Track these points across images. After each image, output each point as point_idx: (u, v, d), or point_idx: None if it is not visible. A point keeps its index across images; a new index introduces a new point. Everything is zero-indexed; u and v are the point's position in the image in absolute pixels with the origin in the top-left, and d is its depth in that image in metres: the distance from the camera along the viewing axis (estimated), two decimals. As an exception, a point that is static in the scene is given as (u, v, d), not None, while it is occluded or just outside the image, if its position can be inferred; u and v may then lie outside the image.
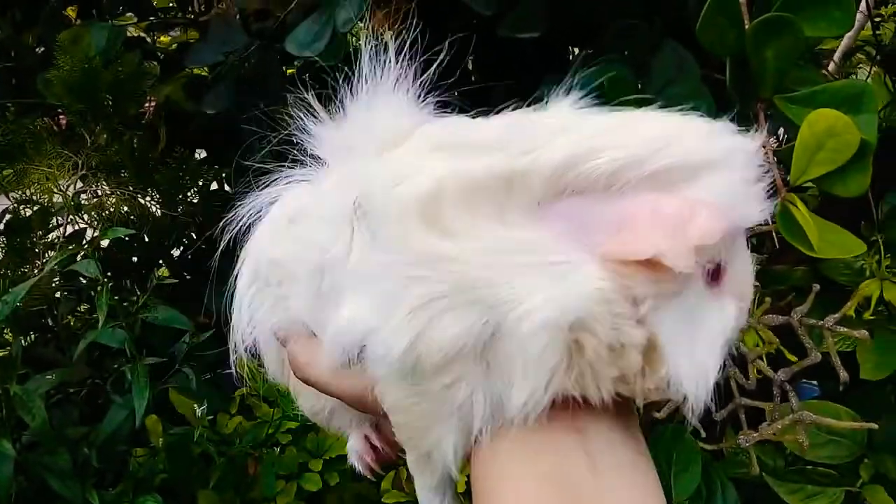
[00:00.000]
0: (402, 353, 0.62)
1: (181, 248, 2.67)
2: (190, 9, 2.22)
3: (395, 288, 0.62)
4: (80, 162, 1.81)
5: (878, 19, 2.86)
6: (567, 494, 0.61)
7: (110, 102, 1.88)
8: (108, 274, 2.45)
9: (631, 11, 1.43)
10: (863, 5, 2.39)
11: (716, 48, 0.98)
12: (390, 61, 0.74)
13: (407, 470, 1.81)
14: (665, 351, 0.60)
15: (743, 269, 0.66)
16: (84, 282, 1.94)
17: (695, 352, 0.61)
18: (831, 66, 2.39)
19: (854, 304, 1.47)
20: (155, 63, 2.56)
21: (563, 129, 0.61)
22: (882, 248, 1.51)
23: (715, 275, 0.61)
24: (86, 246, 1.52)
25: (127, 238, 2.51)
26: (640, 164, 0.57)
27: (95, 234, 2.23)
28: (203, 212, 2.25)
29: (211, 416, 1.63)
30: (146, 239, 2.46)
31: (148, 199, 2.42)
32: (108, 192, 1.92)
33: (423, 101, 0.74)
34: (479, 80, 2.18)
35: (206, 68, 2.44)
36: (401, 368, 0.65)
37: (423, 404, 0.68)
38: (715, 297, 0.63)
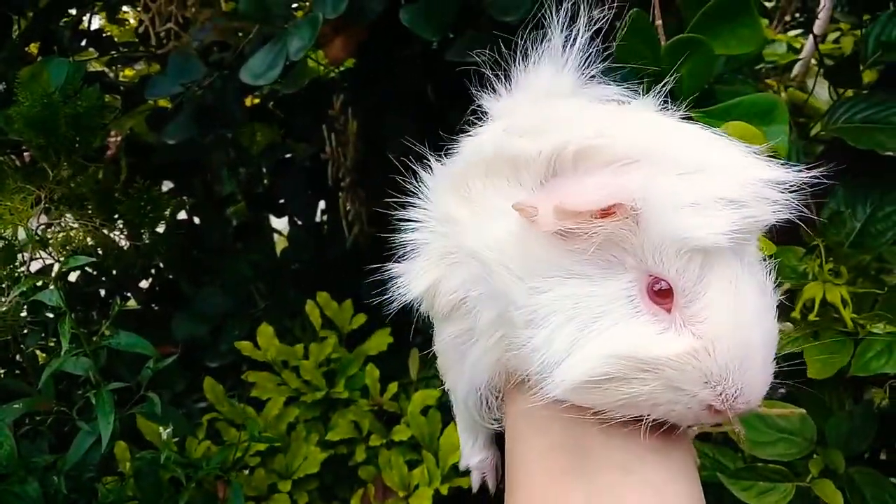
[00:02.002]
0: (419, 294, 0.76)
1: (149, 278, 2.70)
2: (151, 42, 2.26)
3: (425, 237, 0.76)
4: (42, 196, 1.84)
5: (837, 33, 2.96)
6: (575, 462, 0.66)
7: (74, 136, 1.91)
8: (78, 308, 2.47)
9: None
10: (819, 24, 2.49)
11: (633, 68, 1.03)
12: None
13: (374, 487, 1.84)
14: (545, 321, 0.65)
15: (722, 309, 0.63)
16: (51, 316, 1.96)
17: (577, 343, 0.64)
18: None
19: (799, 306, 1.53)
20: (117, 97, 2.60)
21: (567, 119, 0.69)
22: (823, 251, 1.56)
23: (661, 293, 0.64)
24: (51, 277, 1.54)
25: (94, 272, 2.54)
26: (597, 153, 0.65)
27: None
28: (169, 242, 2.28)
29: (176, 439, 1.64)
30: (114, 272, 2.49)
31: (115, 231, 2.45)
32: (73, 226, 1.94)
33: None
34: (437, 101, 2.24)
35: (168, 100, 2.48)
36: (426, 310, 0.79)
37: (444, 348, 0.81)
38: (654, 316, 0.64)
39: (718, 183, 0.62)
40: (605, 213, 0.62)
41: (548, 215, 0.63)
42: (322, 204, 2.74)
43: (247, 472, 1.85)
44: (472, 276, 0.72)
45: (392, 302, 0.79)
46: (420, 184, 0.76)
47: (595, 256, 0.65)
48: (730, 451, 1.61)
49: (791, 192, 0.64)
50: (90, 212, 2.14)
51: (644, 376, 0.63)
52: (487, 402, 0.80)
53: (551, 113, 0.72)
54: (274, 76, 1.70)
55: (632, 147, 0.64)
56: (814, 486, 1.49)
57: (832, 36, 2.98)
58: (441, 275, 0.76)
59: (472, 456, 1.04)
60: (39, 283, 1.51)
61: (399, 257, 0.78)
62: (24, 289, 1.50)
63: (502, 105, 0.78)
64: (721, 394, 0.63)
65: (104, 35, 2.81)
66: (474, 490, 1.03)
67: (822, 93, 2.31)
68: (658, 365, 0.63)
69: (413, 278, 0.77)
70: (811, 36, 2.48)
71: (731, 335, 0.63)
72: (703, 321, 0.63)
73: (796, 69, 2.45)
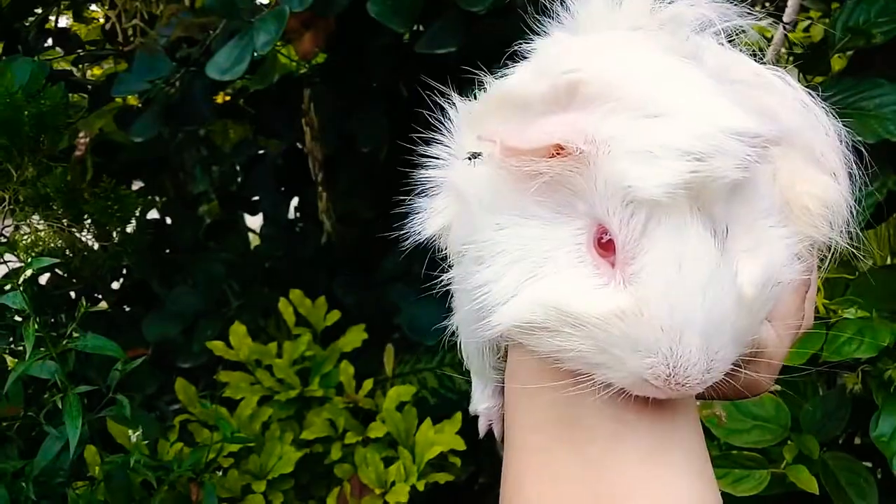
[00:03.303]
0: (434, 233, 0.73)
1: (120, 279, 2.66)
2: (118, 40, 2.22)
3: (445, 174, 0.72)
4: (7, 197, 1.80)
5: (807, 21, 2.97)
6: (567, 432, 0.64)
7: (38, 136, 1.87)
8: (47, 311, 2.43)
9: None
10: (789, 11, 2.50)
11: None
12: None
13: (350, 485, 1.82)
14: (492, 259, 0.64)
15: (660, 272, 0.58)
16: (19, 320, 1.93)
17: (520, 285, 0.62)
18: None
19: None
20: (84, 95, 2.56)
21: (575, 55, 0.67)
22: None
23: (605, 245, 0.60)
24: (16, 280, 1.50)
25: (64, 274, 2.51)
26: (579, 90, 0.62)
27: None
28: (138, 242, 2.25)
29: (147, 442, 1.61)
30: (84, 273, 2.45)
31: (84, 232, 2.41)
32: (38, 228, 1.91)
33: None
34: (408, 95, 2.23)
35: (137, 98, 2.45)
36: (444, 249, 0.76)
37: (454, 289, 0.76)
38: (597, 268, 0.60)
39: (675, 130, 0.58)
40: (557, 152, 0.59)
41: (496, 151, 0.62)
42: (295, 201, 2.72)
43: (220, 473, 1.83)
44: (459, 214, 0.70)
45: (407, 239, 0.74)
46: (444, 119, 0.72)
47: (551, 198, 0.62)
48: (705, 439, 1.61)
49: (760, 147, 0.59)
50: (58, 213, 2.11)
51: (570, 331, 0.60)
52: (484, 354, 0.78)
53: (569, 49, 0.69)
54: (241, 71, 1.68)
55: (606, 85, 0.61)
56: (788, 472, 1.49)
57: (802, 24, 3.00)
58: (457, 213, 0.73)
59: (481, 402, 1.01)
60: (8, 287, 1.47)
61: (420, 193, 0.74)
62: (-12, 291, 1.46)
63: (539, 44, 0.74)
64: (651, 367, 0.58)
65: (70, 33, 2.77)
66: (481, 434, 1.00)
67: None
68: (582, 321, 0.59)
69: (430, 216, 0.73)
70: (780, 24, 2.49)
71: (665, 303, 0.57)
72: (639, 282, 0.58)
73: (767, 56, 2.46)
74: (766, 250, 0.65)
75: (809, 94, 0.84)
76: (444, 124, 0.72)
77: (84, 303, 1.54)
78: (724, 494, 1.48)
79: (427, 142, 0.73)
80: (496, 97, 0.69)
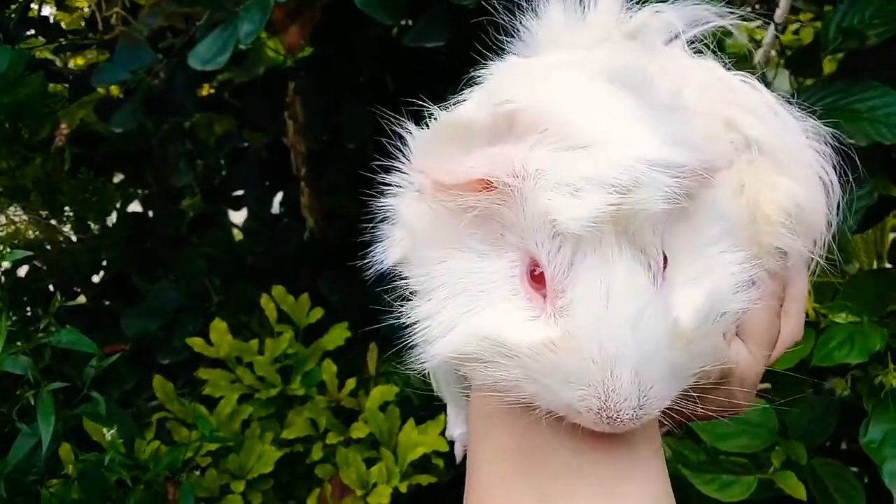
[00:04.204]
0: (394, 263, 0.72)
1: (100, 273, 2.62)
2: (100, 29, 2.18)
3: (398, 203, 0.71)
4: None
5: (797, 24, 2.97)
6: (526, 465, 0.63)
7: (15, 125, 1.83)
8: (27, 305, 2.38)
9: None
10: (780, 12, 2.49)
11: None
12: None
13: (331, 486, 1.79)
14: (432, 293, 0.64)
15: (588, 305, 0.57)
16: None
17: (459, 318, 0.61)
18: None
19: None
20: (65, 85, 2.51)
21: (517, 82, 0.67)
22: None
23: (537, 277, 0.60)
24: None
25: (43, 268, 2.46)
26: (518, 120, 0.62)
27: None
28: (118, 235, 2.21)
29: (121, 440, 1.57)
30: (63, 267, 2.40)
31: (63, 224, 2.37)
32: (13, 219, 1.87)
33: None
34: (395, 88, 2.19)
35: (119, 89, 2.40)
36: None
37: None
38: (529, 301, 0.60)
39: (598, 162, 0.57)
40: (486, 186, 0.59)
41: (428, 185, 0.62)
42: (280, 196, 2.68)
43: (198, 472, 1.79)
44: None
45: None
46: (403, 146, 0.71)
47: (484, 231, 0.62)
48: (691, 444, 1.59)
49: (687, 177, 0.58)
50: (38, 204, 2.07)
51: (503, 361, 0.59)
52: (450, 381, 0.78)
53: (513, 76, 0.69)
54: (223, 61, 1.64)
55: (540, 115, 0.61)
56: (776, 477, 1.48)
57: (792, 27, 2.99)
58: (409, 245, 0.72)
59: (456, 427, 1.01)
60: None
61: (381, 222, 0.74)
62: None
63: (493, 68, 0.74)
64: (582, 399, 0.57)
65: (52, 23, 2.71)
66: (457, 461, 0.99)
67: (782, 84, 2.30)
68: (514, 351, 0.58)
69: (389, 246, 0.73)
70: (771, 25, 2.48)
71: (594, 337, 0.56)
72: (568, 316, 0.58)
73: (757, 56, 2.44)
74: (712, 279, 0.63)
75: (780, 98, 0.82)
76: (401, 151, 0.71)
77: (59, 297, 1.49)
78: (711, 500, 1.47)
79: (387, 170, 0.71)
80: (445, 126, 0.68)
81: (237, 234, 2.76)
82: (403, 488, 1.74)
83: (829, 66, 2.09)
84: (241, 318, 2.23)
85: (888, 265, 2.02)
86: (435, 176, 0.60)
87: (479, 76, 0.74)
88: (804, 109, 0.84)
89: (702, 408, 0.63)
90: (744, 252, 0.66)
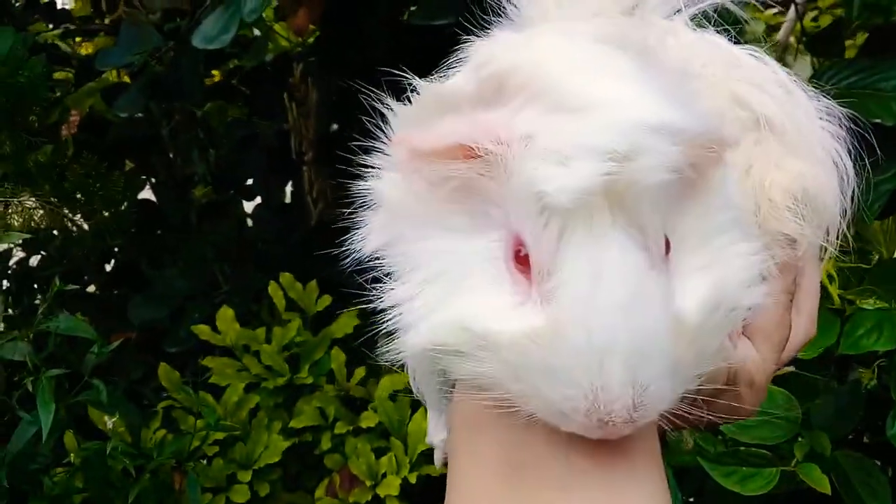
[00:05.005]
0: (372, 251, 0.63)
1: (110, 261, 2.59)
2: (104, 11, 2.15)
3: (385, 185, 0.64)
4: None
5: (815, 11, 2.92)
6: (513, 476, 0.57)
7: (16, 109, 1.80)
8: (36, 293, 2.36)
9: None
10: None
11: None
12: None
13: (340, 476, 1.76)
14: (408, 275, 0.57)
15: (575, 290, 0.50)
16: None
17: (438, 304, 0.55)
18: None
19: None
20: (71, 70, 2.49)
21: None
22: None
23: (523, 258, 0.53)
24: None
25: (51, 255, 2.43)
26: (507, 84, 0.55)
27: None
28: (125, 222, 2.18)
29: (122, 429, 1.55)
30: (72, 253, 2.38)
31: (72, 212, 2.34)
32: (28, 205, 1.84)
33: None
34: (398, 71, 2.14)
35: (126, 74, 2.38)
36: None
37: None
38: (515, 285, 0.53)
39: (591, 126, 0.49)
40: (468, 153, 0.52)
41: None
42: (291, 184, 2.65)
43: (204, 462, 1.76)
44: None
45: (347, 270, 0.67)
46: (384, 125, 0.65)
47: (465, 207, 0.55)
48: (710, 435, 1.54)
49: (693, 147, 0.51)
50: (46, 190, 2.04)
51: (483, 354, 0.52)
52: (431, 381, 0.71)
53: (502, 45, 0.62)
54: (227, 40, 1.60)
55: (529, 78, 0.54)
56: (799, 470, 1.42)
57: (812, 14, 2.93)
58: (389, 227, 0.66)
59: (437, 433, 0.94)
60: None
61: (361, 207, 0.68)
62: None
63: (479, 44, 0.66)
64: (569, 400, 0.50)
65: (59, 8, 2.69)
66: (438, 468, 0.93)
67: (803, 69, 2.25)
68: (494, 343, 0.52)
69: (368, 232, 0.66)
70: (791, 9, 2.42)
71: (581, 326, 0.49)
72: (554, 302, 0.50)
73: (779, 35, 2.39)
74: (720, 270, 0.56)
75: (790, 75, 0.76)
76: (383, 130, 0.63)
77: (58, 282, 1.46)
78: (731, 493, 1.42)
79: (367, 150, 0.64)
80: (429, 97, 0.61)
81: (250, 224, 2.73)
82: (413, 479, 1.70)
83: (850, 53, 2.04)
84: (250, 306, 2.20)
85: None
86: (410, 142, 0.54)
87: (464, 55, 0.67)
88: (819, 89, 0.78)
89: (707, 413, 0.57)
90: (756, 242, 0.60)
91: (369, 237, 0.65)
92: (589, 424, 0.51)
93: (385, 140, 0.63)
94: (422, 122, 0.59)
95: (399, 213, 0.59)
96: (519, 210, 0.52)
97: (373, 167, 0.64)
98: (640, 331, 0.50)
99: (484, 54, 0.61)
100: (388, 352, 0.58)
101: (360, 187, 0.65)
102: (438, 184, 0.55)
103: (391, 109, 0.62)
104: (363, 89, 0.68)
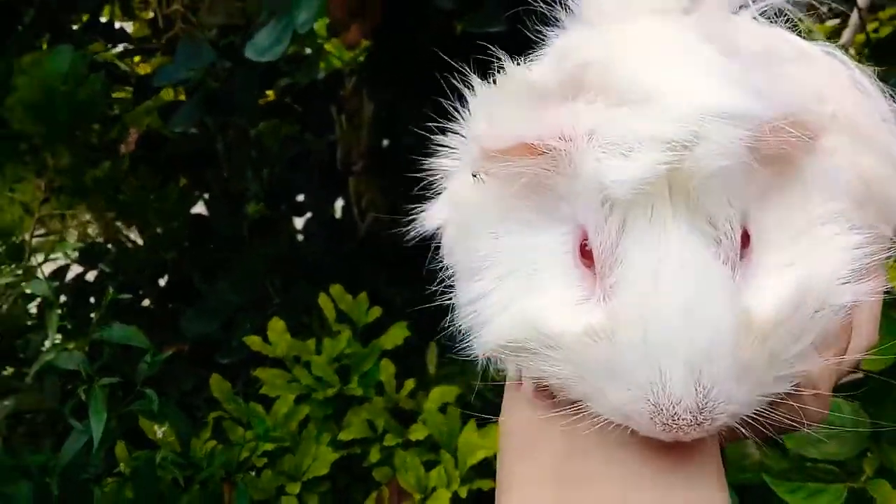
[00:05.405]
0: (434, 229, 0.66)
1: (164, 276, 2.63)
2: (160, 28, 2.19)
3: (456, 165, 0.65)
4: (42, 184, 1.77)
5: (874, 23, 2.85)
6: (568, 476, 0.55)
7: (74, 124, 1.84)
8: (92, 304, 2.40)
9: None
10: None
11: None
12: None
13: (389, 490, 1.73)
14: (485, 272, 0.57)
15: (634, 285, 0.49)
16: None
17: (511, 300, 0.54)
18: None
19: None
20: (129, 88, 2.54)
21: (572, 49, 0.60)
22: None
23: (588, 252, 0.52)
24: (39, 266, 1.46)
25: (109, 271, 2.48)
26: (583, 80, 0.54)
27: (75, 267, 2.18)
28: (178, 236, 2.21)
29: (176, 439, 1.55)
30: (128, 268, 2.42)
31: (131, 228, 2.38)
32: (74, 217, 1.88)
33: None
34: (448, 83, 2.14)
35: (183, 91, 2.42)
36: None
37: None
38: (582, 280, 0.52)
39: (654, 116, 0.48)
40: (535, 151, 0.51)
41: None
42: (342, 199, 2.66)
43: (253, 473, 1.75)
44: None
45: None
46: (462, 106, 0.63)
47: (537, 203, 0.54)
48: (775, 451, 1.47)
49: (768, 133, 0.48)
50: (101, 205, 2.08)
51: (549, 353, 0.51)
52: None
53: (589, 39, 0.60)
54: (280, 51, 1.61)
55: (604, 71, 0.53)
56: (869, 486, 1.35)
57: (872, 25, 2.86)
58: (453, 221, 0.65)
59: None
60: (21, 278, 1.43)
61: (430, 185, 0.67)
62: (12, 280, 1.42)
63: (558, 35, 0.65)
64: (631, 402, 0.48)
65: (118, 29, 2.76)
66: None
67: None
68: (557, 341, 0.51)
69: (432, 210, 0.66)
70: (854, 14, 2.36)
71: (639, 322, 0.48)
72: (614, 297, 0.49)
73: (843, 39, 2.32)
74: (812, 265, 0.53)
75: (865, 72, 0.72)
76: (459, 112, 0.63)
77: (110, 290, 1.47)
78: (798, 511, 1.36)
79: (444, 131, 0.64)
80: (512, 82, 0.59)
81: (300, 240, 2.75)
82: (463, 493, 1.66)
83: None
84: (301, 319, 2.20)
85: None
86: (482, 143, 0.54)
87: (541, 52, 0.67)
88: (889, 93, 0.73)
89: (776, 415, 0.53)
90: (861, 236, 0.55)
91: (431, 216, 0.66)
92: (654, 429, 0.49)
93: (459, 127, 0.63)
94: (500, 106, 0.58)
95: (471, 210, 0.59)
96: (584, 204, 0.51)
97: (445, 146, 0.64)
98: (702, 328, 0.47)
99: (564, 47, 0.61)
100: (465, 349, 0.58)
101: (430, 163, 0.65)
102: (509, 180, 0.54)
103: (471, 88, 0.61)
104: (415, 100, 0.68)
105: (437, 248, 0.66)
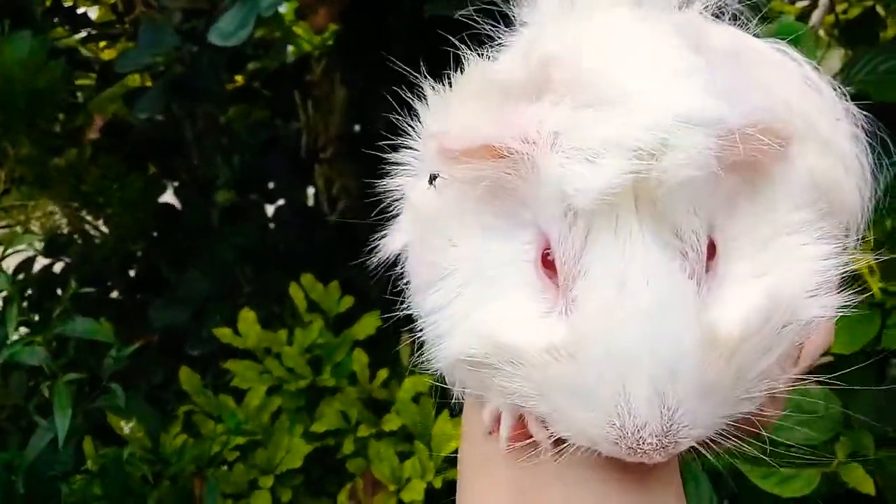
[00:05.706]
0: (395, 252, 0.62)
1: (132, 266, 2.58)
2: (120, 11, 2.14)
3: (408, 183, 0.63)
4: (2, 174, 1.72)
5: (844, 3, 2.86)
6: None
7: (34, 112, 1.79)
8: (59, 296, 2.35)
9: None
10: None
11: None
12: None
13: (363, 481, 1.71)
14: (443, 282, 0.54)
15: (597, 300, 0.46)
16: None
17: (470, 310, 0.52)
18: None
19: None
20: (93, 75, 2.49)
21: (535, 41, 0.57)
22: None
23: (550, 263, 0.49)
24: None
25: (70, 261, 2.43)
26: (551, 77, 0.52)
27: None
28: (151, 226, 2.16)
29: (145, 434, 1.52)
30: (93, 259, 2.37)
31: (92, 216, 2.33)
32: (37, 208, 1.83)
33: None
34: (427, 67, 2.11)
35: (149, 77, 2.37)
36: None
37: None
38: (544, 291, 0.50)
39: (621, 120, 0.46)
40: (494, 153, 0.49)
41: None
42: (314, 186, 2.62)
43: (225, 467, 1.73)
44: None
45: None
46: (412, 120, 0.60)
47: (498, 208, 0.52)
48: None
49: (737, 140, 0.46)
50: (65, 194, 2.03)
51: (510, 369, 0.49)
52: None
53: (557, 31, 0.57)
54: (244, 35, 1.57)
55: (570, 69, 0.50)
56: (841, 471, 1.36)
57: (842, 6, 2.88)
58: (415, 231, 0.62)
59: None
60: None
61: (389, 206, 0.63)
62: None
63: (525, 28, 0.62)
64: (595, 425, 0.46)
65: (80, 14, 2.69)
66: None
67: (833, 63, 2.20)
68: (519, 357, 0.48)
69: (392, 232, 0.62)
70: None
71: (601, 339, 0.46)
72: (576, 311, 0.47)
73: (812, 21, 2.33)
74: (781, 276, 0.51)
75: (815, 68, 0.70)
76: (412, 127, 0.59)
77: (73, 284, 1.44)
78: (769, 496, 1.36)
79: (395, 148, 0.61)
80: (475, 81, 0.56)
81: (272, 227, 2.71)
82: (438, 483, 1.65)
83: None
84: (272, 308, 2.17)
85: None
86: (441, 142, 0.51)
87: (500, 44, 0.63)
88: (855, 76, 0.72)
89: (736, 432, 0.52)
90: (832, 245, 0.53)
91: (393, 237, 0.61)
92: (619, 452, 0.47)
93: (416, 128, 0.59)
94: (462, 105, 0.55)
95: (429, 216, 0.55)
96: (546, 211, 0.49)
97: (400, 163, 0.60)
98: (666, 346, 0.46)
99: (532, 38, 0.57)
100: (423, 362, 0.55)
101: (386, 185, 0.61)
102: (470, 185, 0.52)
103: (423, 98, 0.58)
104: (386, 85, 0.64)
105: (402, 273, 0.62)
